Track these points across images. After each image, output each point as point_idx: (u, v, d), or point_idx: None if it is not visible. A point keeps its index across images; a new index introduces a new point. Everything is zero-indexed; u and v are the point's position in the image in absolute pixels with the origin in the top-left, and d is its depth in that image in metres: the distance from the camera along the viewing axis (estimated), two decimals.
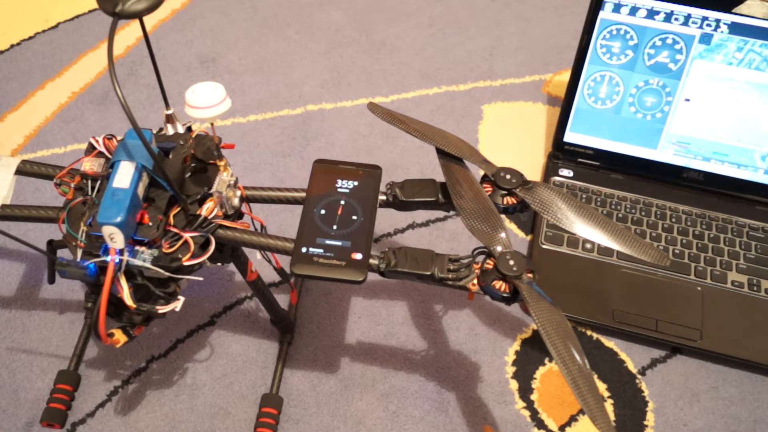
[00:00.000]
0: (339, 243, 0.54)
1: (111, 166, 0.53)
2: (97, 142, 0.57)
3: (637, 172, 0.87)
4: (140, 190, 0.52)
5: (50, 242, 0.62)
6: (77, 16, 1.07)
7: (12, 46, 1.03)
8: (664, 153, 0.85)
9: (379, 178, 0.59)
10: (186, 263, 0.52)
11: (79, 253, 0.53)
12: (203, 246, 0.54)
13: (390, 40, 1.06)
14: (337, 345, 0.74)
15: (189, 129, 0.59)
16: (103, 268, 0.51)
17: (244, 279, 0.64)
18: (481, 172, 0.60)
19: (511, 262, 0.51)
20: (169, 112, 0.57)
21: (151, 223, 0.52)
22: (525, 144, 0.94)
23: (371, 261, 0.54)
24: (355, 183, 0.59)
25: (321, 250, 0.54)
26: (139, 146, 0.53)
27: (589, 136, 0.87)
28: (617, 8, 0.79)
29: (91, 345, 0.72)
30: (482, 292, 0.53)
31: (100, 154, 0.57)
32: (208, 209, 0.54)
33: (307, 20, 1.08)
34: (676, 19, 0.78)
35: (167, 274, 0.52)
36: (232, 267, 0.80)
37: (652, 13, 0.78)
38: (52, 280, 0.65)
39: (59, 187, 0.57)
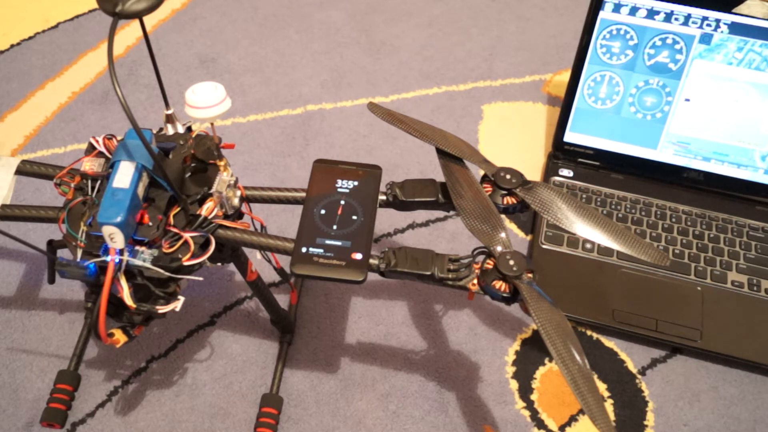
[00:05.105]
0: (339, 243, 0.54)
1: (111, 166, 0.53)
2: (97, 142, 0.57)
3: (637, 172, 0.87)
4: (140, 190, 0.52)
5: (50, 242, 0.62)
6: (77, 16, 1.07)
7: (12, 46, 1.03)
8: (664, 153, 0.85)
9: (379, 178, 0.59)
10: (186, 263, 0.52)
11: (79, 253, 0.53)
12: (203, 246, 0.54)
13: (390, 40, 1.06)
14: (337, 345, 0.74)
15: (189, 129, 0.59)
16: (103, 268, 0.51)
17: (244, 279, 0.64)
18: (481, 172, 0.60)
19: (511, 262, 0.51)
20: (169, 112, 0.57)
21: (151, 223, 0.52)
22: (525, 144, 0.94)
23: (371, 261, 0.54)
24: (355, 183, 0.59)
25: (321, 250, 0.54)
26: (139, 146, 0.53)
27: (589, 136, 0.87)
28: (617, 8, 0.79)
29: (91, 345, 0.72)
30: (482, 292, 0.53)
31: (100, 154, 0.57)
32: (208, 209, 0.54)
33: (307, 20, 1.08)
34: (676, 19, 0.78)
35: (167, 274, 0.52)
36: (232, 267, 0.79)
37: (652, 13, 0.78)
38: (52, 280, 0.65)
39: (59, 187, 0.56)
